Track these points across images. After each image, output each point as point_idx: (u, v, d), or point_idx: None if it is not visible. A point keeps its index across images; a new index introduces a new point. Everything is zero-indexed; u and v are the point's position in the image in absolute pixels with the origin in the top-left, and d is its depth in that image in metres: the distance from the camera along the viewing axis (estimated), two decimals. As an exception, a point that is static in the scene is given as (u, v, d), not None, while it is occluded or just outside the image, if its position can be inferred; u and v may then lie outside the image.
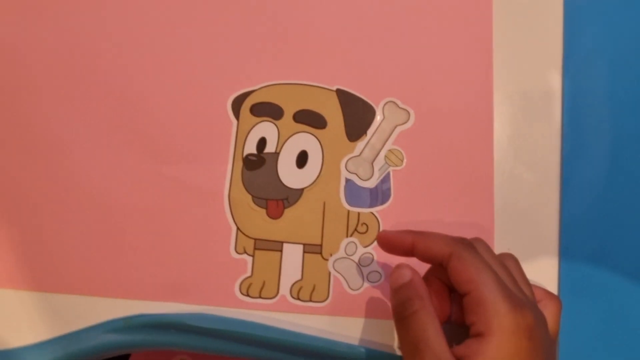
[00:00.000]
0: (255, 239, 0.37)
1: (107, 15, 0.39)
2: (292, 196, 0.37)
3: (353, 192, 0.38)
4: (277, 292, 0.36)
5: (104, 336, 0.35)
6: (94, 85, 0.38)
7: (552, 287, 0.37)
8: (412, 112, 0.39)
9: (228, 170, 0.37)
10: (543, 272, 0.38)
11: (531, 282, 0.33)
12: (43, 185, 0.37)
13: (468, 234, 0.37)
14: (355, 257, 0.37)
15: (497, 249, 0.38)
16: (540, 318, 0.29)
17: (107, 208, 0.37)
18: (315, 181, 0.38)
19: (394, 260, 0.37)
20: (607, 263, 0.38)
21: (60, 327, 0.35)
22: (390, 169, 0.38)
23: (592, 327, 0.37)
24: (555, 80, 0.40)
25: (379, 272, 0.37)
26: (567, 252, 0.38)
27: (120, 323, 0.35)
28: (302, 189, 0.37)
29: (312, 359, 0.35)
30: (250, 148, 0.38)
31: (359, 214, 0.37)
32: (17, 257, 0.36)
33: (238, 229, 0.37)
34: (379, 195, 0.38)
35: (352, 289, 0.37)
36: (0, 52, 0.38)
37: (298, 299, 0.36)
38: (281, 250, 0.37)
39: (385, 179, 0.38)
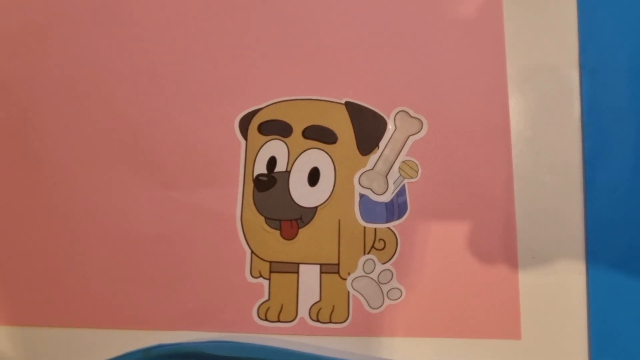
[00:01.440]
0: (270, 262, 0.36)
1: (112, 43, 0.39)
2: (305, 215, 0.37)
3: (368, 208, 0.37)
4: (296, 314, 0.36)
5: (123, 369, 0.35)
6: (101, 115, 0.38)
7: (581, 292, 0.36)
8: (424, 121, 0.38)
9: (239, 192, 0.37)
10: (570, 278, 0.36)
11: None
12: (55, 218, 0.37)
13: (490, 244, 0.36)
14: (374, 275, 0.36)
15: (522, 256, 0.36)
16: None
17: (119, 238, 0.36)
18: (328, 198, 0.37)
19: (415, 276, 0.36)
20: (637, 265, 0.36)
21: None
22: (406, 181, 0.37)
23: (624, 332, 0.36)
24: (573, 80, 0.38)
25: (399, 289, 0.36)
26: (595, 256, 0.36)
27: (140, 355, 0.35)
28: (316, 207, 0.37)
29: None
30: (261, 168, 0.37)
31: (375, 230, 0.36)
32: (31, 293, 0.36)
33: (252, 252, 0.36)
34: (395, 209, 0.37)
35: (372, 308, 0.36)
36: (7, 87, 0.38)
37: (318, 320, 0.36)
38: (297, 272, 0.36)
39: (401, 192, 0.37)
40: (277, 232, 0.36)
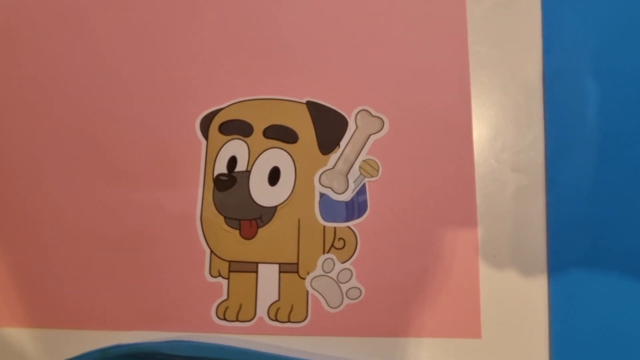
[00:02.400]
0: (229, 261, 0.36)
1: (73, 47, 0.39)
2: (265, 215, 0.36)
3: (328, 207, 0.37)
4: (255, 314, 0.36)
5: (81, 369, 0.35)
6: (63, 118, 0.38)
7: (542, 291, 0.36)
8: (386, 119, 0.38)
9: (199, 192, 0.37)
10: (532, 277, 0.36)
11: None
12: (14, 218, 0.37)
13: (451, 243, 0.36)
14: (334, 274, 0.36)
15: (483, 255, 0.36)
16: None
17: (79, 239, 0.36)
18: (288, 198, 0.37)
19: (374, 275, 0.36)
20: (598, 265, 0.36)
21: (39, 361, 0.35)
22: (366, 180, 0.37)
23: (584, 331, 0.35)
24: (536, 80, 0.38)
25: (358, 289, 0.36)
26: (556, 255, 0.36)
27: (97, 355, 0.35)
28: (276, 207, 0.37)
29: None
30: (221, 168, 0.37)
31: (335, 229, 0.36)
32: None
33: (212, 251, 0.36)
34: (355, 208, 0.37)
35: (331, 307, 0.36)
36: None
37: (276, 320, 0.35)
38: (256, 271, 0.36)
39: (361, 191, 0.37)
40: (237, 232, 0.36)
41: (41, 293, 0.36)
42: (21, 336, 0.36)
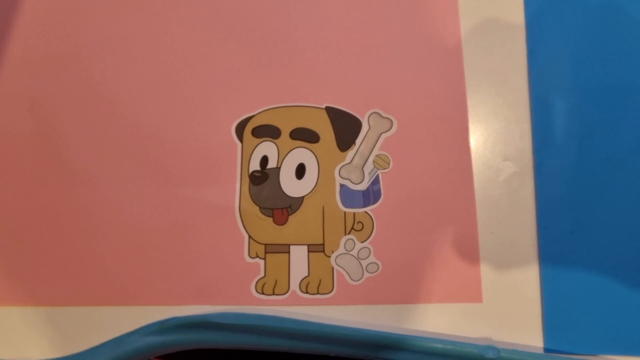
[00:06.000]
0: (265, 244, 0.42)
1: (123, 66, 0.45)
2: (294, 204, 0.43)
3: (347, 196, 0.43)
4: (288, 288, 0.41)
5: (143, 339, 0.40)
6: (117, 126, 0.44)
7: (533, 261, 0.41)
8: (394, 120, 0.44)
9: (237, 187, 0.43)
10: (524, 249, 0.41)
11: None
12: (81, 214, 0.42)
13: (454, 222, 0.42)
14: (354, 252, 0.42)
15: (481, 232, 0.42)
16: None
17: (136, 229, 0.42)
18: (313, 189, 0.43)
19: (389, 252, 0.42)
20: (582, 237, 0.41)
21: (106, 335, 0.41)
22: (379, 172, 0.43)
23: (571, 294, 0.41)
24: (522, 82, 0.44)
25: (376, 264, 0.42)
26: (545, 230, 0.41)
27: (157, 326, 0.40)
28: (303, 197, 0.43)
29: (324, 344, 0.40)
30: (255, 166, 0.43)
31: (354, 214, 0.42)
32: (58, 276, 0.42)
33: (250, 236, 0.42)
34: (370, 196, 0.43)
35: (353, 280, 0.41)
36: (35, 105, 0.45)
37: (307, 292, 0.41)
38: (289, 252, 0.42)
39: (375, 181, 0.43)
40: (270, 219, 0.42)
41: (104, 276, 0.42)
42: (85, 314, 0.41)
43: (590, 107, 0.44)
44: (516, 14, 0.46)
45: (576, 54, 0.45)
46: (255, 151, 0.43)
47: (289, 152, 0.43)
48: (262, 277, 0.41)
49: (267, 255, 0.42)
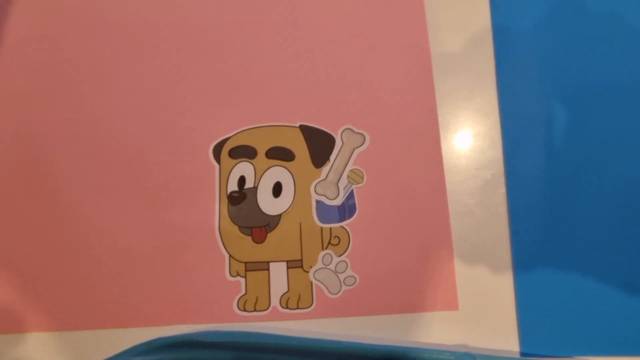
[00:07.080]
0: (245, 262, 0.43)
1: (107, 95, 0.46)
2: (272, 222, 0.44)
3: (323, 211, 0.44)
4: (269, 304, 0.43)
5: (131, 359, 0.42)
6: (99, 155, 0.45)
7: (507, 267, 0.43)
8: (367, 135, 0.45)
9: (216, 208, 0.44)
10: (498, 256, 0.43)
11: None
12: (69, 237, 0.44)
13: (428, 233, 0.43)
14: (332, 266, 0.43)
15: (455, 241, 0.43)
16: None
17: (120, 253, 0.43)
18: (290, 206, 0.44)
19: (366, 264, 0.43)
20: (552, 240, 0.43)
21: (94, 358, 0.42)
22: (354, 186, 0.44)
23: (544, 299, 0.42)
24: (492, 95, 0.46)
25: (354, 277, 0.43)
26: (517, 236, 0.43)
27: (144, 347, 0.42)
28: (280, 215, 0.44)
29: (305, 357, 0.41)
30: (233, 186, 0.44)
31: (330, 229, 0.44)
32: (50, 301, 0.43)
33: (230, 255, 0.43)
34: (346, 210, 0.44)
35: (332, 294, 0.43)
36: (20, 134, 0.46)
37: (287, 307, 0.43)
38: (268, 269, 0.43)
39: (350, 196, 0.44)
40: (249, 238, 0.44)
41: (92, 301, 0.43)
42: (78, 338, 0.43)
43: (557, 113, 0.45)
44: (483, 27, 0.47)
45: (542, 62, 0.46)
46: (232, 172, 0.44)
47: (265, 171, 0.44)
48: (243, 295, 0.43)
49: (248, 273, 0.43)
